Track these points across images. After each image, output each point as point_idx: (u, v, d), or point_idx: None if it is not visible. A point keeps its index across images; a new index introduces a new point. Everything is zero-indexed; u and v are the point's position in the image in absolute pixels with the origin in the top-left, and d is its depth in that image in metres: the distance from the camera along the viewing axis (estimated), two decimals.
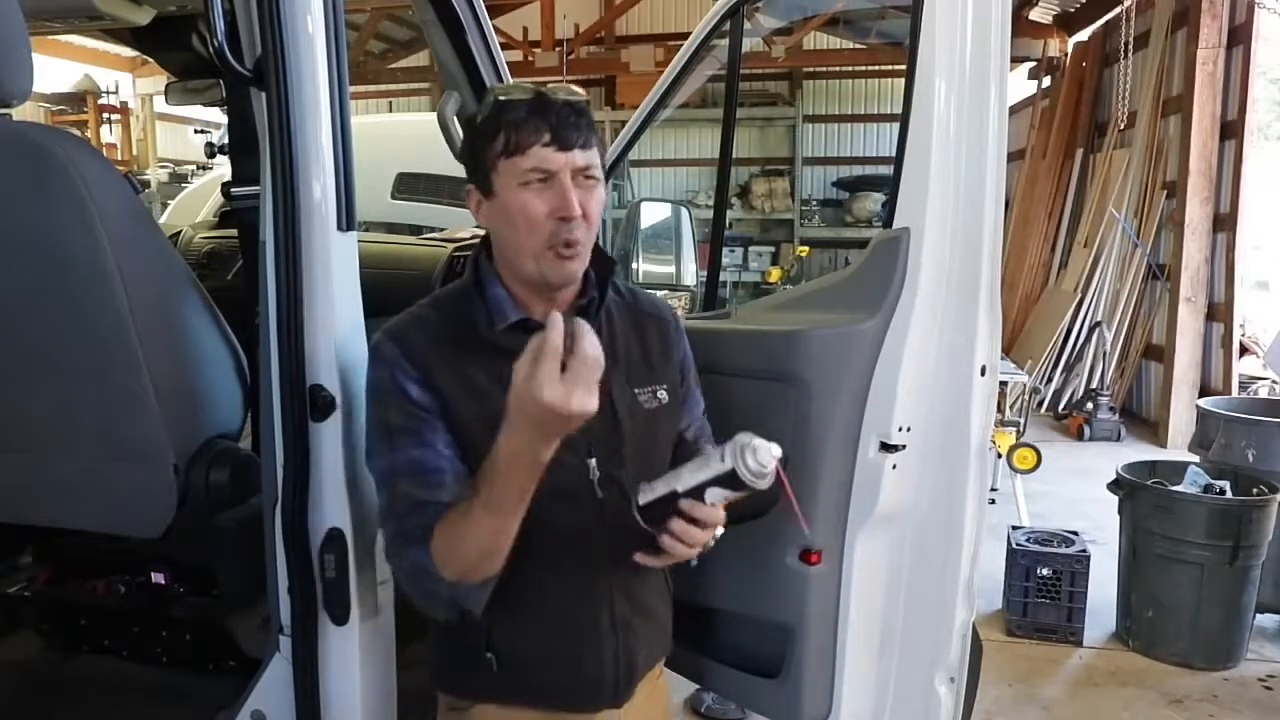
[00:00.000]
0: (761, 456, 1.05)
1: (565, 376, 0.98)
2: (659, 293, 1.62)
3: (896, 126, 1.60)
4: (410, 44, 11.84)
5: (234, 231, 2.50)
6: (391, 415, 1.18)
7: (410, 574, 1.17)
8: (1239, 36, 6.34)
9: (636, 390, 1.28)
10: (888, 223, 1.61)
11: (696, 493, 1.10)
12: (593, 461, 1.23)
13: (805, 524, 1.39)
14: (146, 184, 9.62)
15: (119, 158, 10.51)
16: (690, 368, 1.40)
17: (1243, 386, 6.35)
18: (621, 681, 1.31)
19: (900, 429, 1.58)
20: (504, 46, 2.17)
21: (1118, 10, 7.18)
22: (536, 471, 1.07)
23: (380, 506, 1.22)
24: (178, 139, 11.76)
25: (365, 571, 1.42)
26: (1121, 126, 7.27)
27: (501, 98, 1.18)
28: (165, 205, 7.33)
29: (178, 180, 10.18)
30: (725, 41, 2.00)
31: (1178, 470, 3.51)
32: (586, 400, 0.99)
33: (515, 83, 1.24)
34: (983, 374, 1.60)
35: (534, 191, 1.15)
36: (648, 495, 1.13)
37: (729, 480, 1.07)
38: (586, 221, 1.17)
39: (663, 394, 1.31)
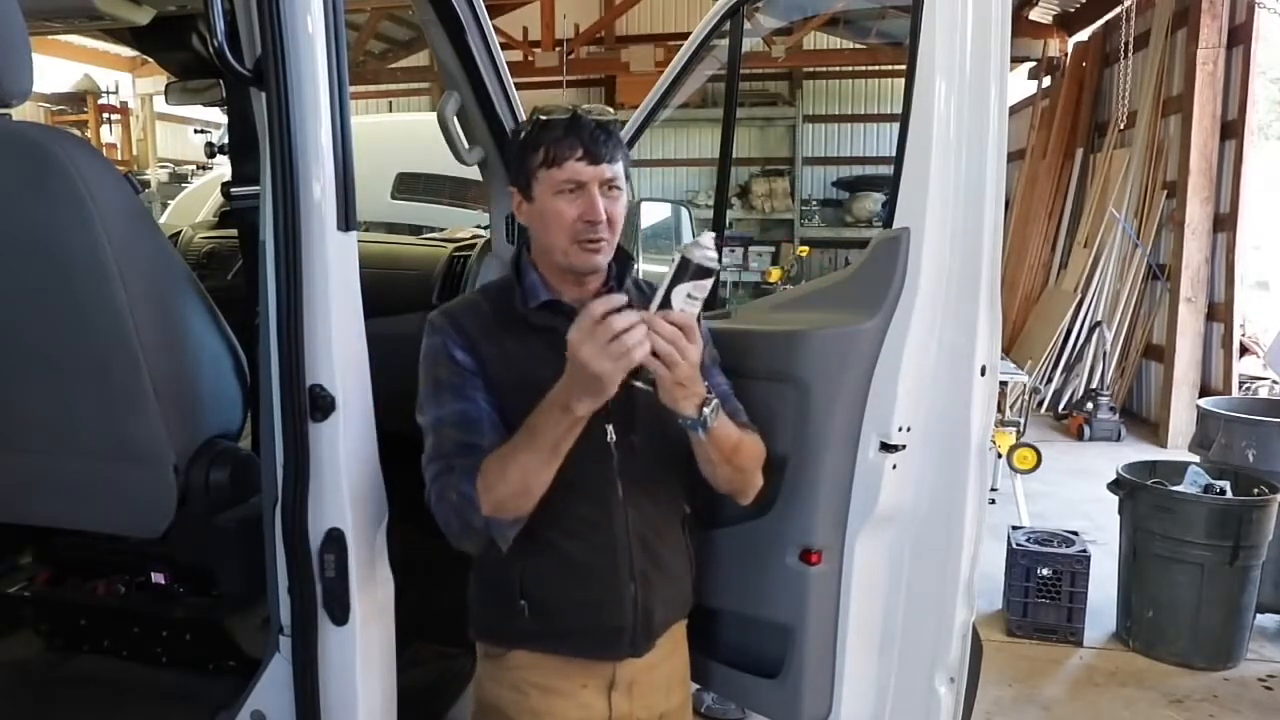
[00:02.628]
0: (704, 240, 1.24)
1: (605, 347, 1.18)
2: None
3: (896, 126, 1.60)
4: (410, 44, 11.84)
5: (234, 231, 2.50)
6: (441, 373, 1.39)
7: (457, 506, 1.33)
8: (1239, 36, 6.34)
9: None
10: (888, 223, 1.60)
11: (664, 305, 1.24)
12: (610, 426, 1.39)
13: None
14: (146, 184, 9.62)
15: (119, 158, 10.51)
16: (709, 345, 1.50)
17: (1243, 386, 6.35)
18: (640, 631, 1.46)
19: (900, 429, 1.57)
20: (504, 46, 2.17)
21: (1118, 10, 7.18)
22: (571, 427, 1.26)
23: (426, 450, 1.39)
24: (178, 139, 11.76)
25: (365, 571, 1.41)
26: (1121, 126, 7.27)
27: (543, 117, 1.38)
28: (165, 205, 7.34)
29: (178, 180, 10.17)
30: (725, 41, 2.00)
31: (1178, 470, 3.51)
32: (607, 367, 1.18)
33: (556, 105, 1.41)
34: (983, 374, 1.60)
35: (566, 200, 1.35)
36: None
37: (685, 271, 1.23)
38: (610, 224, 1.37)
39: None
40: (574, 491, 1.35)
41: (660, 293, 1.24)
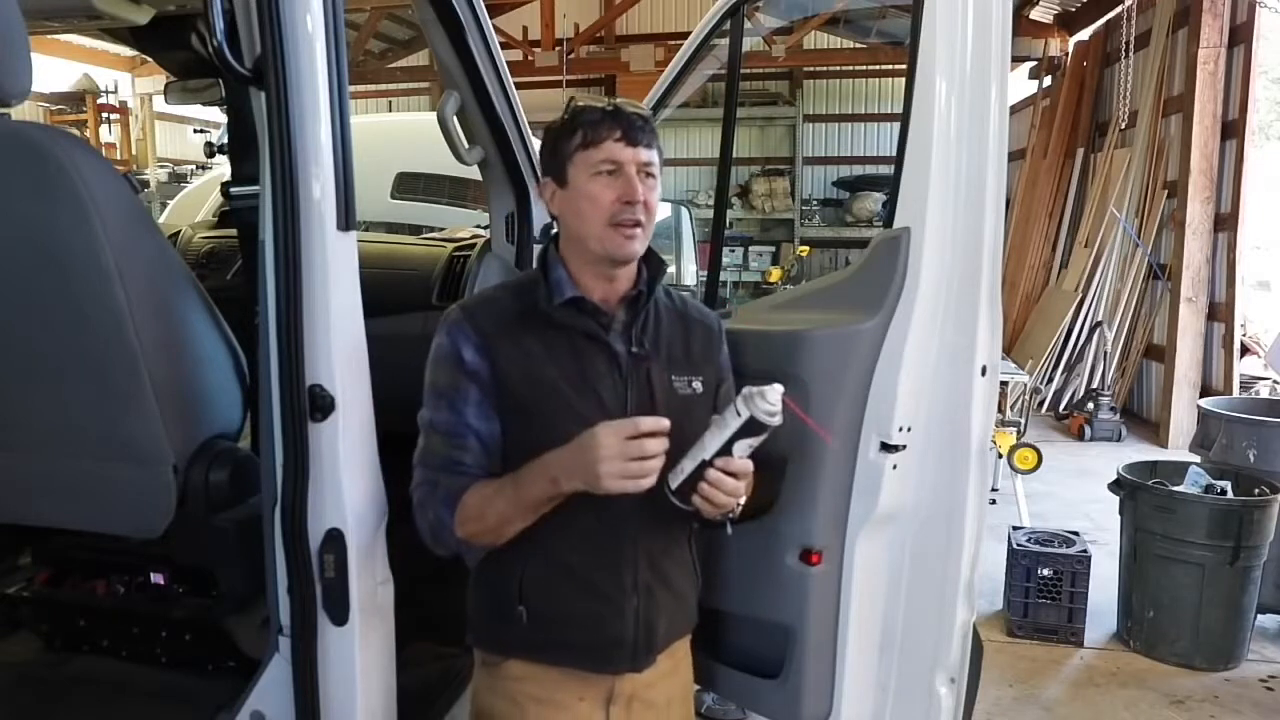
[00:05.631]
0: (770, 397, 1.21)
1: (625, 465, 1.20)
2: None
3: (896, 126, 1.60)
4: (410, 44, 11.84)
5: (234, 231, 2.50)
6: (440, 378, 1.38)
7: (433, 525, 1.36)
8: (1240, 36, 6.34)
9: (673, 377, 1.43)
10: (888, 223, 1.60)
11: (724, 452, 1.25)
12: None
13: (827, 437, 1.54)
14: (146, 184, 9.62)
15: (118, 157, 10.49)
16: (729, 372, 1.55)
17: (1244, 386, 6.35)
18: (641, 645, 1.43)
19: (901, 429, 1.57)
20: (504, 46, 2.17)
21: (1119, 9, 7.19)
22: (552, 498, 1.28)
23: (418, 447, 1.40)
24: (177, 139, 11.75)
25: (365, 571, 1.41)
26: (1122, 126, 7.27)
27: (580, 104, 1.37)
28: (165, 205, 7.33)
29: (177, 180, 10.17)
30: (725, 41, 2.00)
31: (1179, 470, 3.51)
32: (615, 484, 1.21)
33: (592, 96, 1.41)
34: (983, 374, 1.60)
35: (604, 182, 1.33)
36: (678, 477, 1.28)
37: (749, 428, 1.23)
38: (647, 209, 1.35)
39: (697, 384, 1.46)
40: (580, 500, 1.31)
41: (721, 443, 1.25)
